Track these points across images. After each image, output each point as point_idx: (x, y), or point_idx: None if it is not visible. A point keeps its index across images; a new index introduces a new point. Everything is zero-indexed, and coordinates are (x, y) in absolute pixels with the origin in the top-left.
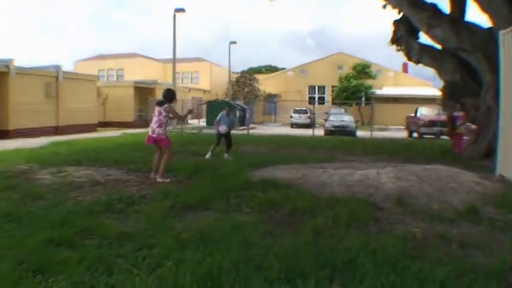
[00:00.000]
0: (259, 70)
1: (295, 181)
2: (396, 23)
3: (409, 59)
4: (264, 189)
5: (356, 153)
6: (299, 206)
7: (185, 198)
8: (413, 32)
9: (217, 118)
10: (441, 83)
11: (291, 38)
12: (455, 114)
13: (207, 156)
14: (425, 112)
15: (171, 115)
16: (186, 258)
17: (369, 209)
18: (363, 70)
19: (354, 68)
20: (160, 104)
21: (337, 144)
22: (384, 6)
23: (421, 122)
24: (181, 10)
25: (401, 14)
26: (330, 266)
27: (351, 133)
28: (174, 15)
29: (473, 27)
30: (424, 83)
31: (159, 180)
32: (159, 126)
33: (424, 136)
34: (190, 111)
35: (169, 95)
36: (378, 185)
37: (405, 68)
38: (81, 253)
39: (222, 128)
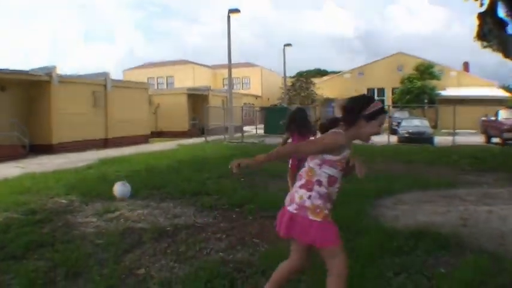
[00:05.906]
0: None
1: (458, 230)
2: (482, 15)
3: (506, 56)
4: (428, 252)
5: (465, 168)
6: None
7: None
8: (503, 25)
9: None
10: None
11: (337, 41)
12: None
13: None
14: (508, 115)
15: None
16: None
17: None
18: (426, 70)
19: (417, 68)
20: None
21: (428, 155)
22: None
23: (505, 126)
24: (236, 11)
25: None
26: None
27: (428, 140)
28: (229, 16)
29: None
30: (488, 83)
31: None
32: (307, 187)
33: (508, 142)
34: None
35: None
36: None
37: (467, 67)
38: None
39: None
